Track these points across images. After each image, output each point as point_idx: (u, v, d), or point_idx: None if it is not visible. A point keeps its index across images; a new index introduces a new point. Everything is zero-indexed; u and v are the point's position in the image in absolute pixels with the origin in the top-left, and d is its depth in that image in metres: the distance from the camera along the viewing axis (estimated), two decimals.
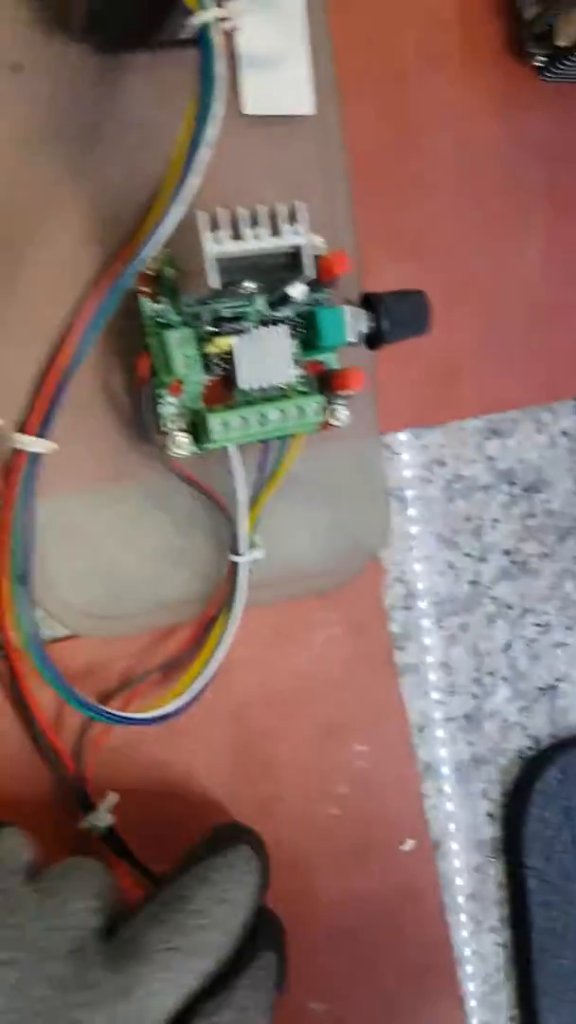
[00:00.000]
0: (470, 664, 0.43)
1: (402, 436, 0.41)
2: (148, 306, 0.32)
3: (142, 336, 0.32)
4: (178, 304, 0.32)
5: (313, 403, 0.32)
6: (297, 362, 0.33)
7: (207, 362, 0.32)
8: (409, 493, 0.41)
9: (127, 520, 0.35)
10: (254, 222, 0.29)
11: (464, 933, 0.44)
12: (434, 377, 0.41)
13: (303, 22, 0.36)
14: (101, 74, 0.33)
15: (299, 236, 0.30)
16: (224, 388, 0.33)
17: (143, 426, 0.33)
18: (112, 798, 0.34)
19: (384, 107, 0.39)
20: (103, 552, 0.34)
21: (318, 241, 0.33)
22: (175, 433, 0.32)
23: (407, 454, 0.41)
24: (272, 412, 0.32)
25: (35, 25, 0.32)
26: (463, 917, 0.44)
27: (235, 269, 0.29)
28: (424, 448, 0.41)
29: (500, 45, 0.40)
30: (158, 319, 0.32)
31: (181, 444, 0.32)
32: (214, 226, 0.29)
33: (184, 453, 0.32)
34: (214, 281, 0.28)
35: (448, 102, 0.40)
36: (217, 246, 0.28)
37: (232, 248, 0.28)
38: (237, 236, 0.29)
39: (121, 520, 0.35)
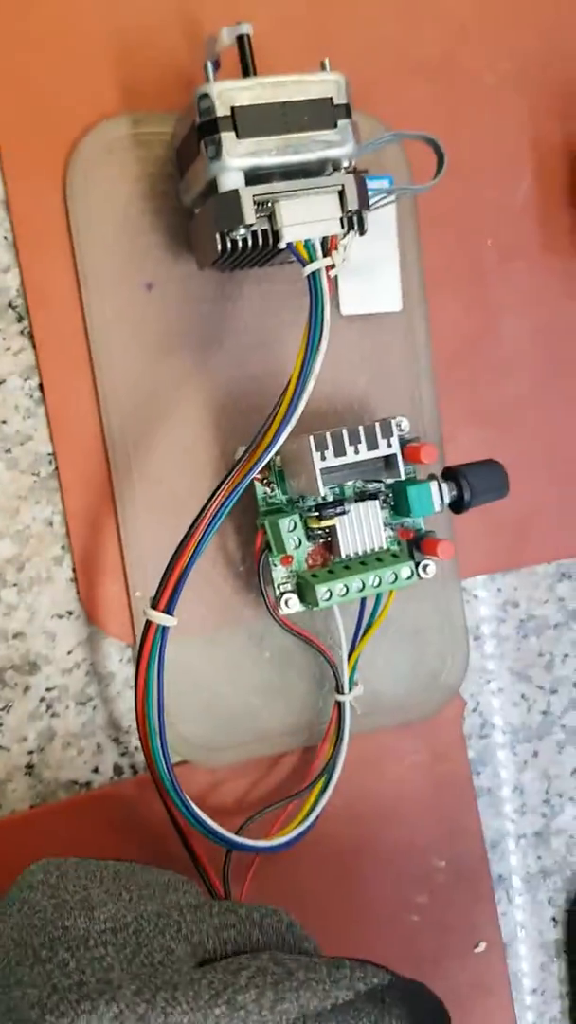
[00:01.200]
0: (540, 787, 0.47)
1: (480, 580, 0.45)
2: (261, 490, 0.37)
3: (254, 509, 0.38)
4: (285, 487, 0.37)
5: (406, 568, 0.37)
6: (388, 525, 0.39)
7: (310, 533, 0.38)
8: (486, 631, 0.46)
9: (230, 660, 0.40)
10: (354, 438, 0.34)
11: (531, 1022, 0.47)
12: (509, 528, 0.45)
13: (395, 231, 0.41)
14: (220, 289, 0.39)
15: (393, 448, 0.35)
16: (325, 550, 0.38)
17: (251, 581, 0.38)
18: None
19: (467, 299, 0.44)
20: (210, 689, 0.40)
21: (405, 424, 0.38)
22: (287, 595, 0.37)
23: (484, 596, 0.46)
24: (370, 577, 0.37)
25: (166, 249, 0.39)
26: (529, 1012, 0.47)
27: (339, 474, 0.35)
28: (499, 591, 0.46)
29: (571, 233, 0.45)
30: (269, 501, 0.37)
31: (291, 604, 0.37)
32: (321, 445, 0.34)
33: (293, 612, 0.37)
34: (322, 491, 0.34)
35: (524, 290, 0.45)
36: (323, 462, 0.34)
37: (336, 462, 0.34)
38: (340, 452, 0.34)
39: (224, 661, 0.40)
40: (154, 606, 0.33)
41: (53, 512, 0.38)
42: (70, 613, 0.38)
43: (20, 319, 0.37)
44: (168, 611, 0.33)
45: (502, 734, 0.46)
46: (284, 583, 0.38)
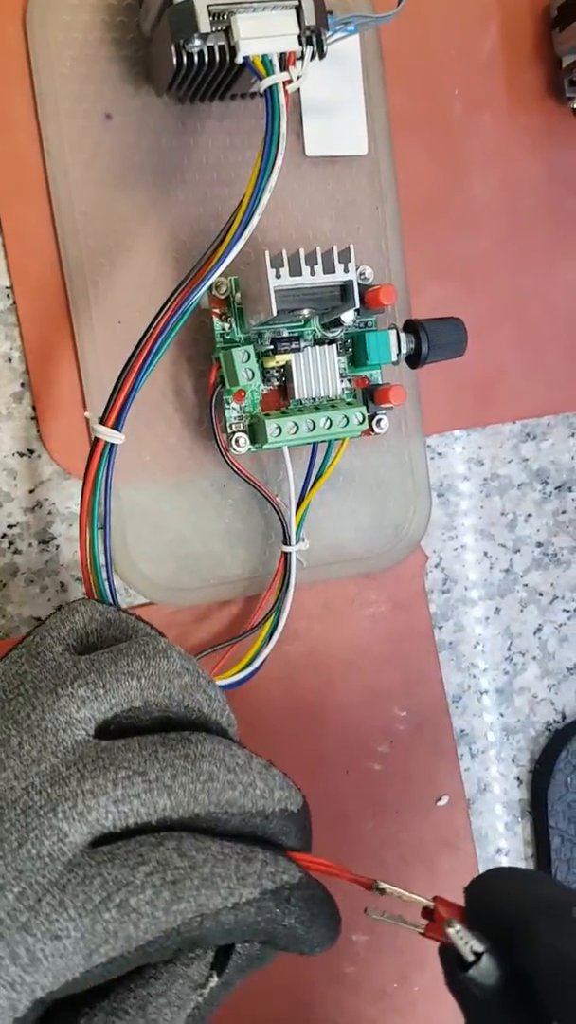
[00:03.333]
0: (502, 644, 0.48)
1: (444, 438, 0.46)
2: (219, 325, 0.37)
3: (212, 350, 0.38)
4: (243, 324, 0.37)
5: (358, 413, 0.37)
6: (345, 376, 0.39)
7: (266, 374, 0.38)
8: (449, 489, 0.46)
9: (193, 506, 0.40)
10: (311, 260, 0.34)
11: None
12: (475, 387, 0.45)
13: (359, 72, 0.41)
14: (181, 121, 0.39)
15: (349, 274, 0.35)
16: (280, 396, 0.38)
17: (211, 428, 0.38)
18: None
19: (433, 147, 0.43)
20: (174, 533, 0.40)
21: (368, 272, 0.38)
22: (237, 435, 0.37)
23: (448, 454, 0.46)
24: (321, 419, 0.37)
25: (124, 79, 0.38)
26: None
27: (293, 298, 0.35)
28: (463, 449, 0.46)
29: (540, 89, 0.45)
30: (226, 336, 0.37)
31: (241, 444, 0.37)
32: (277, 263, 0.34)
33: (243, 451, 0.38)
34: (274, 309, 0.34)
35: (492, 142, 0.44)
36: (278, 280, 0.34)
37: (291, 282, 0.34)
38: (296, 272, 0.34)
39: (188, 506, 0.40)
40: (102, 421, 0.33)
41: (12, 348, 0.38)
42: (31, 452, 0.38)
43: None
44: (116, 428, 0.33)
45: (464, 590, 0.47)
46: (236, 423, 0.38)
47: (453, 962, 0.26)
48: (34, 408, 0.38)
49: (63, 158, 0.37)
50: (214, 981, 0.26)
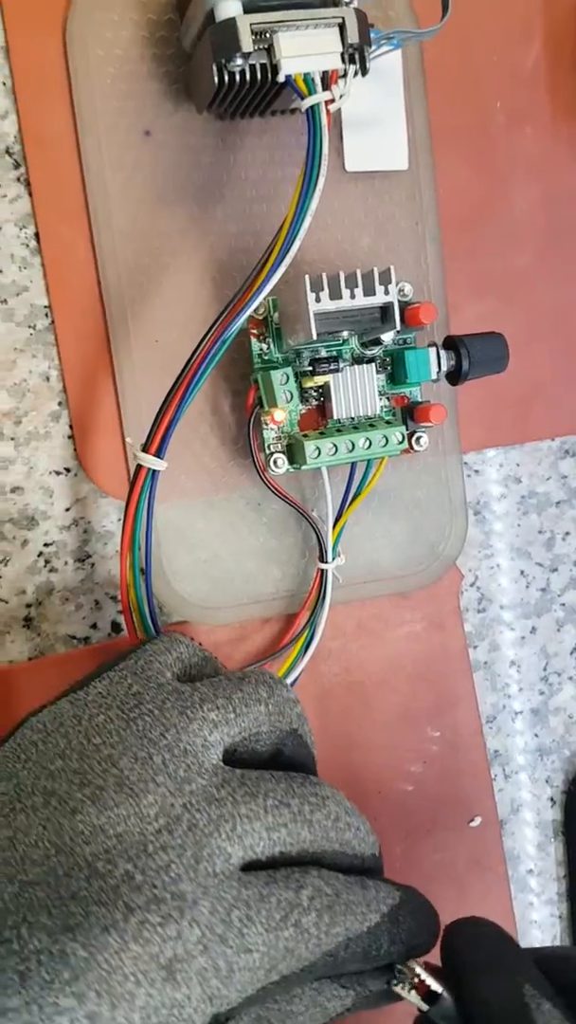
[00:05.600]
0: (538, 664, 0.47)
1: (482, 455, 0.45)
2: (256, 345, 0.37)
3: (250, 370, 0.37)
4: (281, 344, 0.37)
5: (397, 432, 0.37)
6: (384, 394, 0.38)
7: (304, 394, 0.37)
8: (487, 506, 0.45)
9: (228, 524, 0.40)
10: (351, 282, 0.34)
11: (528, 903, 0.48)
12: (513, 403, 0.45)
13: (401, 85, 0.40)
14: (221, 138, 0.39)
15: (389, 295, 0.34)
16: (319, 415, 0.38)
17: (247, 446, 0.38)
18: None
19: (474, 160, 0.43)
20: (208, 552, 0.40)
21: (407, 289, 0.38)
22: (275, 455, 0.37)
23: (486, 471, 0.45)
24: (360, 439, 0.36)
25: (164, 96, 0.38)
26: (527, 893, 0.48)
27: (333, 320, 0.34)
28: (501, 466, 0.45)
29: None
30: (264, 357, 0.37)
31: (279, 465, 0.37)
32: (317, 286, 0.33)
33: (281, 472, 0.37)
34: (315, 334, 0.33)
35: (534, 154, 0.44)
36: (318, 304, 0.33)
37: (331, 306, 0.33)
38: (336, 295, 0.33)
39: (222, 524, 0.40)
40: (145, 449, 0.33)
41: (50, 367, 0.38)
42: (68, 470, 0.38)
43: (17, 165, 0.36)
44: (159, 455, 0.33)
45: (499, 609, 0.46)
46: (274, 443, 0.37)
47: (420, 1001, 0.28)
48: (71, 427, 0.38)
49: (102, 175, 0.37)
50: (344, 1007, 0.28)
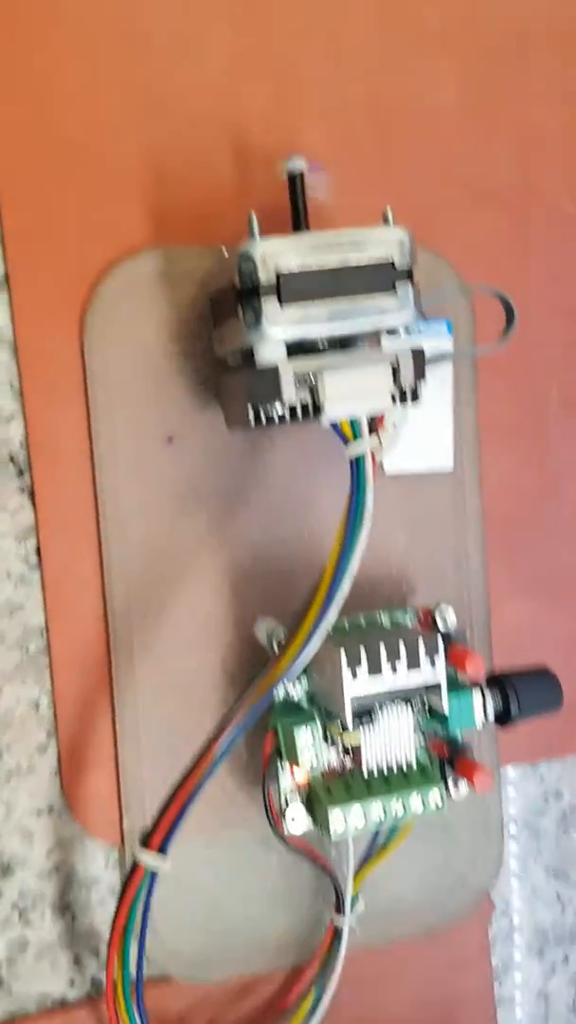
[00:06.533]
0: (567, 994, 0.42)
1: (521, 769, 0.40)
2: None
3: (270, 714, 0.33)
4: (311, 681, 0.32)
5: (434, 791, 0.32)
6: (420, 731, 0.34)
7: (330, 740, 0.33)
8: (523, 825, 0.41)
9: (232, 865, 0.35)
10: (393, 652, 0.29)
11: None
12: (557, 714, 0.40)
13: (451, 384, 0.37)
14: (249, 441, 0.35)
15: (436, 670, 0.30)
16: (344, 756, 0.33)
17: (259, 783, 0.33)
18: None
19: (524, 454, 0.39)
20: (207, 897, 0.35)
21: (451, 620, 0.34)
22: (292, 808, 0.32)
23: (525, 785, 0.40)
24: (392, 803, 0.32)
25: (190, 396, 0.34)
26: None
27: (372, 699, 0.30)
28: (542, 780, 0.41)
29: None
30: (287, 700, 0.32)
31: (297, 822, 0.32)
32: (353, 659, 0.29)
33: (298, 832, 0.32)
34: (350, 722, 0.29)
35: None
36: (354, 682, 0.29)
37: (370, 686, 0.29)
38: (376, 668, 0.29)
39: (226, 865, 0.35)
40: (145, 843, 0.28)
41: (40, 693, 0.33)
42: (51, 809, 0.33)
43: (21, 474, 0.32)
44: (162, 851, 0.28)
45: (530, 937, 0.41)
46: (292, 794, 0.33)
47: None
48: (59, 761, 0.33)
49: (116, 486, 0.33)
50: None
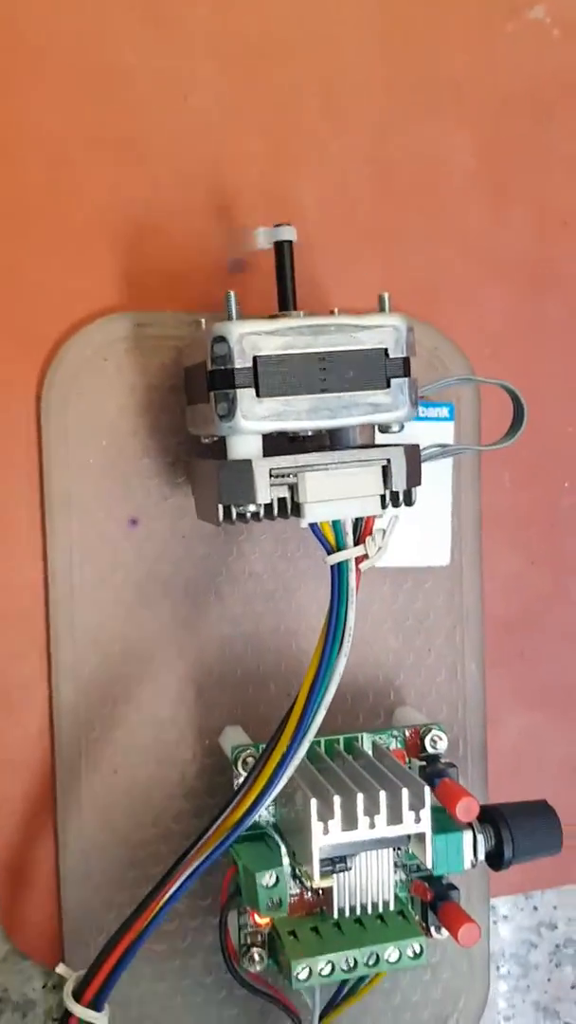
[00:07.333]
0: None
1: (512, 899, 0.36)
2: None
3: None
4: (277, 811, 0.28)
5: (414, 943, 0.28)
6: (401, 867, 0.30)
7: (299, 879, 0.29)
8: (511, 959, 0.37)
9: (185, 1006, 0.31)
10: (371, 807, 0.25)
11: None
12: None
13: (451, 474, 0.33)
14: (217, 528, 0.31)
15: (421, 824, 0.26)
16: (315, 894, 0.29)
17: (219, 933, 0.29)
18: None
19: (531, 551, 0.35)
20: None
21: (440, 743, 0.30)
22: (253, 950, 0.29)
23: (516, 916, 0.37)
24: (364, 956, 0.28)
25: (157, 475, 0.30)
26: None
27: (344, 849, 0.26)
28: (535, 910, 0.37)
29: None
30: (253, 827, 0.28)
31: (258, 961, 0.29)
32: (325, 814, 0.25)
33: (259, 969, 0.29)
34: (317, 876, 0.25)
35: None
36: (327, 839, 0.25)
37: (344, 838, 0.25)
38: (351, 824, 0.25)
39: (180, 1005, 0.31)
40: (77, 997, 0.24)
41: None
42: None
43: None
44: (96, 1007, 0.24)
45: None
46: (252, 935, 0.29)
47: None
48: None
49: (69, 572, 0.29)
50: None
